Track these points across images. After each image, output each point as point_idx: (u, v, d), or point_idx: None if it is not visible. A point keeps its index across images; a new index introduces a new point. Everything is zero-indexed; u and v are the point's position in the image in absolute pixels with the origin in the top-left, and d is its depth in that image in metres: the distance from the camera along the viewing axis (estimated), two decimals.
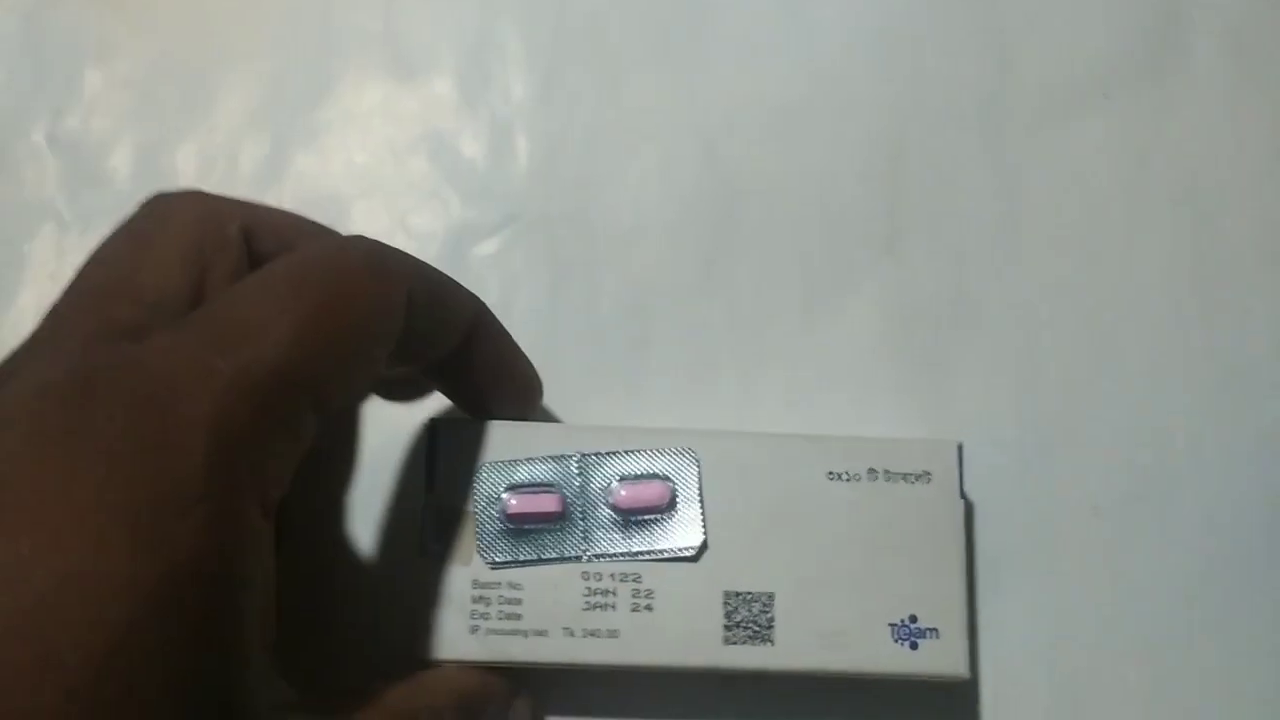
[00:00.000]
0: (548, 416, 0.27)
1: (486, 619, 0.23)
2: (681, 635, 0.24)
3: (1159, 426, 0.28)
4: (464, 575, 0.24)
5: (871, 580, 0.24)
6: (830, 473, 0.25)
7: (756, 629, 0.24)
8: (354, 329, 0.19)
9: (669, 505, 0.24)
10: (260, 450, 0.17)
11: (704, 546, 0.24)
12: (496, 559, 0.24)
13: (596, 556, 0.24)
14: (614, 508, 0.24)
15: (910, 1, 0.30)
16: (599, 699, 0.26)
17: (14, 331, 0.27)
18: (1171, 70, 0.30)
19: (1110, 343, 0.28)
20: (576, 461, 0.24)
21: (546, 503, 0.24)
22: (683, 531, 0.24)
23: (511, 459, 0.24)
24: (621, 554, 0.24)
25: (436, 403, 0.27)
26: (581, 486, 0.24)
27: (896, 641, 0.24)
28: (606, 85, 0.30)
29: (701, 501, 0.24)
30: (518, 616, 0.24)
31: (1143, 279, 0.29)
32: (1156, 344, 0.28)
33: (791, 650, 0.24)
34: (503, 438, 0.24)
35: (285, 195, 0.29)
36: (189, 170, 0.29)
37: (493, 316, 0.23)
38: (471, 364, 0.23)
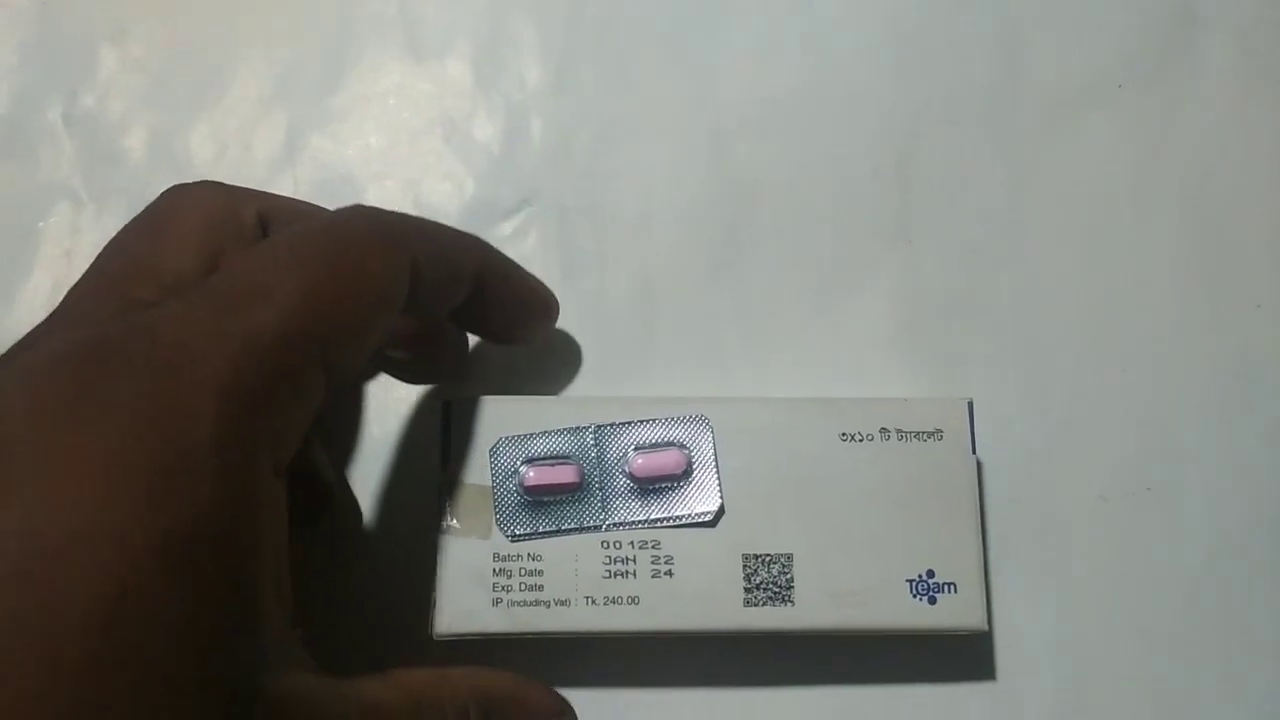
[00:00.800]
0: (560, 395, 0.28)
1: (509, 591, 0.24)
2: (702, 599, 0.24)
3: (1166, 418, 0.28)
4: (484, 549, 0.24)
5: (888, 538, 0.24)
6: (843, 434, 0.25)
7: (776, 590, 0.24)
8: (359, 292, 0.19)
9: (685, 472, 0.24)
10: (270, 410, 0.17)
11: (721, 511, 0.24)
12: (516, 532, 0.24)
13: (615, 525, 0.24)
14: (631, 476, 0.24)
15: None
16: (622, 669, 0.26)
17: (29, 307, 0.28)
18: (1182, 67, 0.30)
19: (1119, 335, 0.28)
20: (592, 433, 0.25)
21: (564, 474, 0.24)
22: (700, 497, 0.24)
23: (527, 433, 0.24)
24: (640, 521, 0.24)
25: (451, 382, 0.27)
26: (598, 457, 0.24)
27: (915, 597, 0.24)
28: (620, 75, 0.30)
29: (717, 467, 0.24)
30: (539, 588, 0.24)
31: (1152, 273, 0.29)
32: (1165, 337, 0.28)
33: (812, 610, 0.24)
34: (517, 412, 0.25)
35: (300, 177, 0.29)
36: (204, 152, 0.29)
37: (497, 255, 0.24)
38: (485, 303, 0.23)
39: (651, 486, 0.24)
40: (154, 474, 0.15)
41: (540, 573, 0.24)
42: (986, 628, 0.24)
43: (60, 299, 0.20)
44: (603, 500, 0.24)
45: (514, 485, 0.24)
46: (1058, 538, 0.27)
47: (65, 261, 0.28)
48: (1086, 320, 0.28)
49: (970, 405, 0.25)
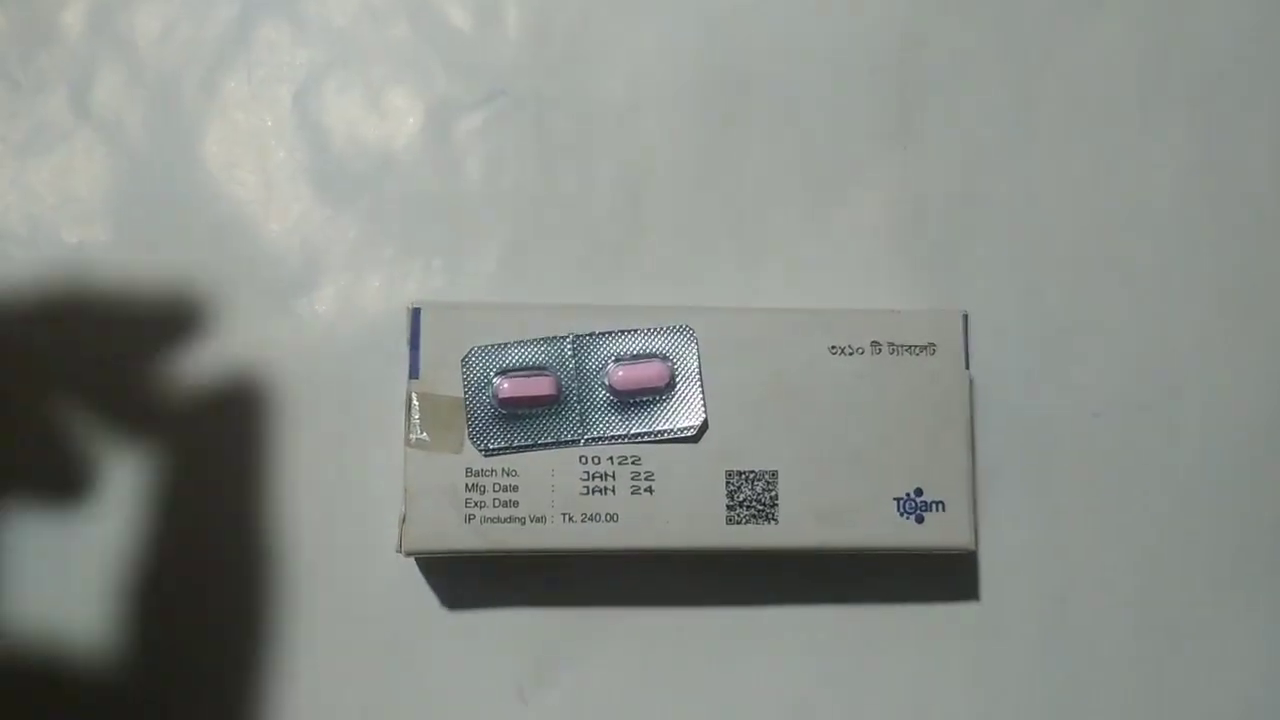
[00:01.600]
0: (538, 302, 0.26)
1: (482, 508, 0.23)
2: (683, 516, 0.23)
3: (1163, 333, 0.27)
4: (455, 464, 0.23)
5: (876, 455, 0.24)
6: (832, 346, 0.24)
7: (760, 508, 0.23)
8: None
9: (668, 385, 0.23)
10: None
11: (705, 426, 0.23)
12: (489, 446, 0.23)
13: (594, 440, 0.23)
14: (610, 389, 0.23)
15: None
16: (600, 587, 0.25)
17: None
18: None
19: (1119, 245, 0.27)
20: (570, 343, 0.23)
21: (540, 385, 0.23)
22: (683, 411, 0.23)
23: (501, 342, 0.23)
24: (620, 436, 0.23)
25: (418, 286, 0.26)
26: (576, 368, 0.23)
27: (902, 515, 0.24)
28: None
29: (701, 380, 0.23)
30: (514, 504, 0.23)
31: (1155, 180, 0.27)
32: (1165, 248, 0.27)
33: (796, 528, 0.23)
34: (490, 320, 0.23)
35: (252, 62, 0.27)
36: (149, 31, 0.27)
37: None
38: None
39: (632, 400, 0.23)
40: None
41: (515, 489, 0.23)
42: (974, 547, 0.24)
43: None
44: (581, 414, 0.23)
45: (487, 397, 0.23)
46: (1049, 455, 0.26)
47: (2, 147, 0.26)
48: (1087, 232, 0.27)
49: (965, 318, 0.24)
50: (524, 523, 0.23)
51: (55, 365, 0.25)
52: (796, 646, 0.25)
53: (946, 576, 0.26)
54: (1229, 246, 0.27)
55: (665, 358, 0.23)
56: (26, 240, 0.25)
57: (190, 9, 0.27)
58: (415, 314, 0.23)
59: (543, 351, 0.23)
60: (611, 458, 0.23)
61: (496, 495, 0.23)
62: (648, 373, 0.23)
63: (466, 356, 0.23)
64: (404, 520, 0.23)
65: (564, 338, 0.23)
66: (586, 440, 0.23)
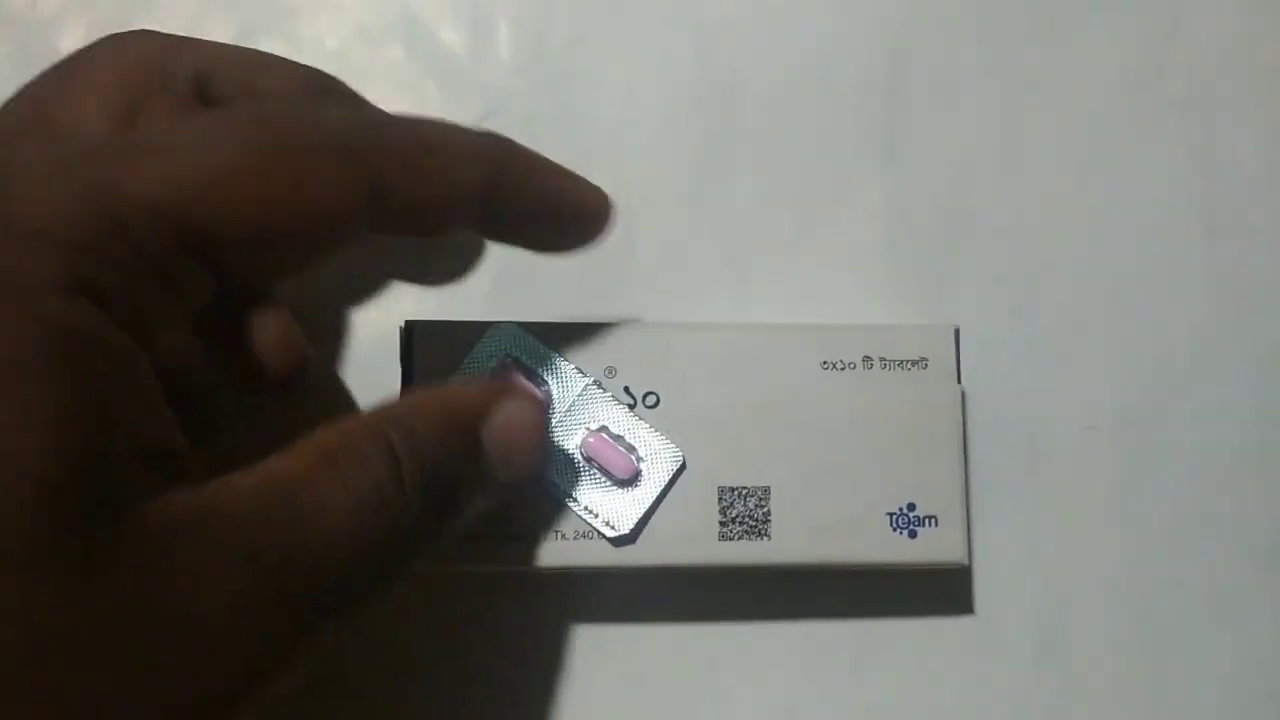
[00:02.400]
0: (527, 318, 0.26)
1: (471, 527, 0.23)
2: (676, 534, 0.23)
3: (1157, 345, 0.27)
4: None
5: (869, 470, 0.24)
6: (824, 362, 0.24)
7: (753, 524, 0.23)
8: (280, 206, 0.17)
9: (625, 482, 0.23)
10: (107, 273, 0.15)
11: (629, 539, 0.23)
12: None
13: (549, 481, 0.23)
14: (580, 448, 0.23)
15: None
16: (593, 605, 0.25)
17: None
18: None
19: (1111, 258, 0.27)
20: (582, 386, 0.23)
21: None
22: (622, 511, 0.23)
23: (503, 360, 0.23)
24: (561, 491, 0.23)
25: (412, 304, 0.26)
26: (568, 410, 0.23)
27: (895, 530, 0.23)
28: None
29: (659, 500, 0.23)
30: (507, 522, 0.23)
31: (1146, 192, 0.27)
32: (1157, 259, 0.27)
33: (789, 544, 0.23)
34: (483, 337, 0.23)
35: None
36: None
37: (519, 157, 0.21)
38: (507, 213, 0.21)
39: (590, 469, 0.23)
40: None
41: (508, 506, 0.23)
42: (967, 562, 0.24)
43: None
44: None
45: None
46: (1043, 468, 0.26)
47: None
48: (1077, 245, 0.27)
49: (956, 332, 0.24)
50: (518, 541, 0.23)
51: None
52: (789, 662, 0.25)
53: (941, 590, 0.26)
54: (1220, 260, 0.27)
55: (642, 459, 0.23)
56: None
57: (186, 30, 0.27)
58: (408, 329, 0.23)
59: (545, 379, 0.23)
60: None
61: (488, 514, 0.23)
62: (617, 461, 0.23)
63: (458, 373, 0.23)
64: None
65: (575, 375, 0.23)
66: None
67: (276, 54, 0.20)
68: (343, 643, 0.17)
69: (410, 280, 0.26)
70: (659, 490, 0.23)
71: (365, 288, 0.26)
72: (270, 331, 0.19)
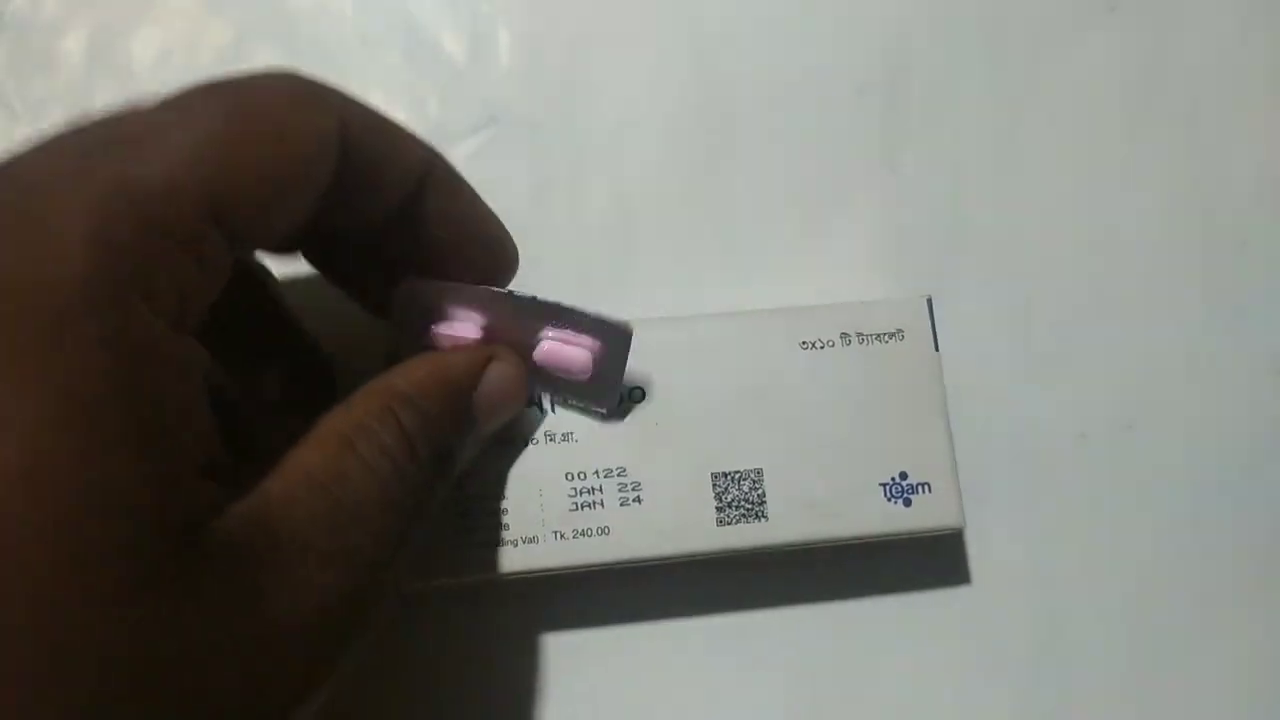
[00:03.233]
0: None
1: (472, 533, 0.23)
2: (674, 523, 0.23)
3: (1151, 355, 0.27)
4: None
5: (858, 444, 0.24)
6: (803, 342, 0.24)
7: (749, 506, 0.23)
8: (270, 149, 0.17)
9: (590, 379, 0.22)
10: (153, 266, 0.15)
11: (618, 414, 0.23)
12: None
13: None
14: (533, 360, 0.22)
15: None
16: (598, 605, 0.25)
17: None
18: None
19: (1106, 266, 0.28)
20: (513, 304, 0.21)
21: (469, 331, 0.22)
22: (599, 392, 0.23)
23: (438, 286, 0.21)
24: (539, 403, 0.23)
25: None
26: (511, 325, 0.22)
27: (889, 500, 0.24)
28: None
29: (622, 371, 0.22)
30: (505, 526, 0.23)
31: (1141, 201, 0.28)
32: (1152, 268, 0.28)
33: (786, 523, 0.23)
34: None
35: None
36: (145, 57, 0.27)
37: (450, 170, 0.21)
38: (425, 219, 0.21)
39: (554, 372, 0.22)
40: (24, 335, 0.14)
41: (504, 511, 0.23)
42: (963, 525, 0.24)
43: None
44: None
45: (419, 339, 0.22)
46: (1035, 476, 0.27)
47: None
48: (1073, 253, 0.28)
49: (929, 302, 0.25)
50: (516, 544, 0.23)
51: None
52: (792, 642, 0.25)
53: (938, 601, 0.26)
54: (1214, 269, 0.28)
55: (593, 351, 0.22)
56: None
57: (186, 36, 0.27)
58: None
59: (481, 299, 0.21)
60: (597, 471, 0.23)
61: (486, 520, 0.23)
62: (573, 362, 0.22)
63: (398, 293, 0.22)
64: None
65: (504, 293, 0.21)
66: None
67: (406, 129, 0.20)
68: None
69: None
70: (622, 365, 0.22)
71: None
72: None
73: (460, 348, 0.22)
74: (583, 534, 0.23)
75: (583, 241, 0.27)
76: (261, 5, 0.27)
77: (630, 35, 0.28)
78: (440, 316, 0.22)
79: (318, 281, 0.22)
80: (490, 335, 0.22)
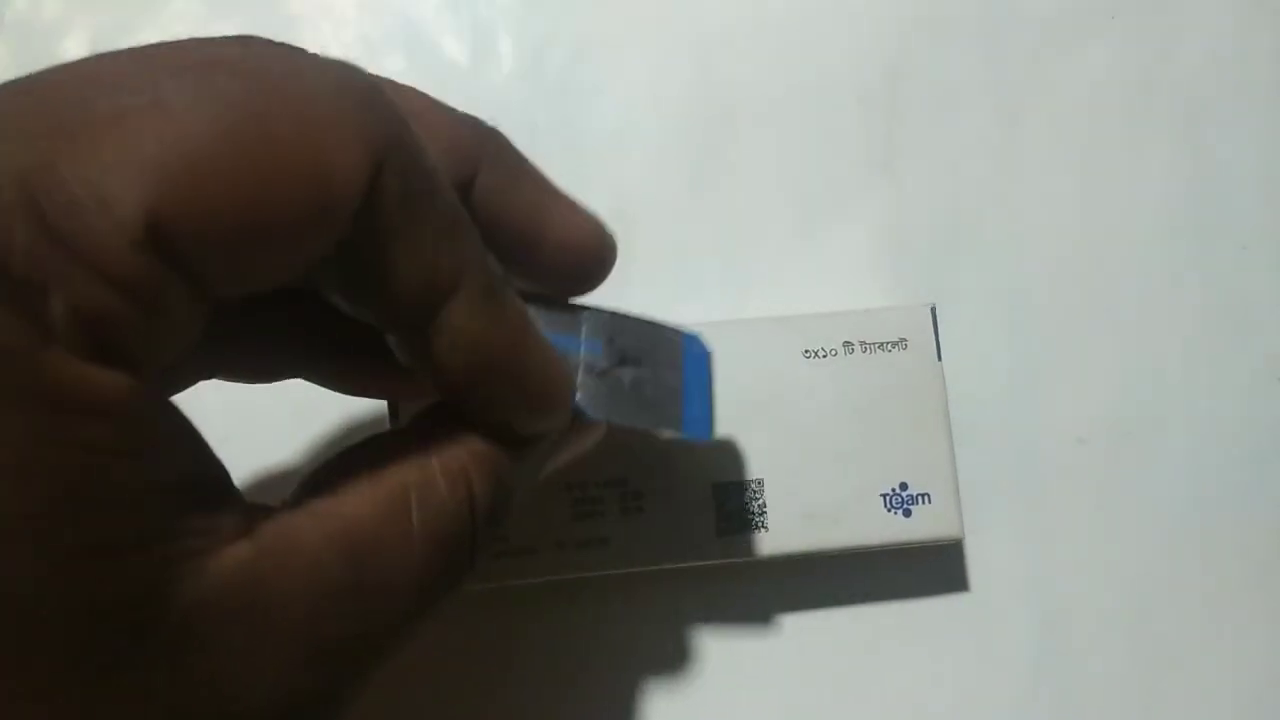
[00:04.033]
0: None
1: None
2: (675, 533, 0.23)
3: (1149, 359, 0.27)
4: None
5: (859, 453, 0.24)
6: (806, 351, 0.24)
7: (749, 516, 0.23)
8: (284, 189, 0.12)
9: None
10: (69, 291, 0.11)
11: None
12: None
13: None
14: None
15: None
16: (599, 614, 0.25)
17: None
18: None
19: (1105, 272, 0.28)
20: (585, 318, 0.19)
21: None
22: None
23: None
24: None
25: None
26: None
27: (889, 511, 0.24)
28: None
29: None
30: (504, 538, 0.23)
31: (1140, 207, 0.28)
32: (1151, 275, 0.28)
33: (786, 533, 0.23)
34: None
35: None
36: None
37: (512, 155, 0.17)
38: (478, 221, 0.16)
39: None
40: None
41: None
42: (962, 536, 0.24)
43: None
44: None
45: None
46: (1034, 480, 0.27)
47: None
48: (1072, 259, 0.28)
49: (933, 311, 0.25)
50: (515, 555, 0.23)
51: None
52: (792, 650, 0.25)
53: (937, 608, 0.26)
54: (1213, 272, 0.28)
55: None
56: None
57: (189, 37, 0.26)
58: None
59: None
60: (598, 482, 0.23)
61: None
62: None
63: None
64: None
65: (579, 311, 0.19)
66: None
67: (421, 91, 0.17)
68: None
69: None
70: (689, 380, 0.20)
71: None
72: None
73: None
74: (583, 544, 0.23)
75: None
76: (263, 8, 0.27)
77: (631, 40, 0.28)
78: None
79: None
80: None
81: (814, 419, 0.24)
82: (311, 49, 0.20)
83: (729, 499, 0.23)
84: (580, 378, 0.18)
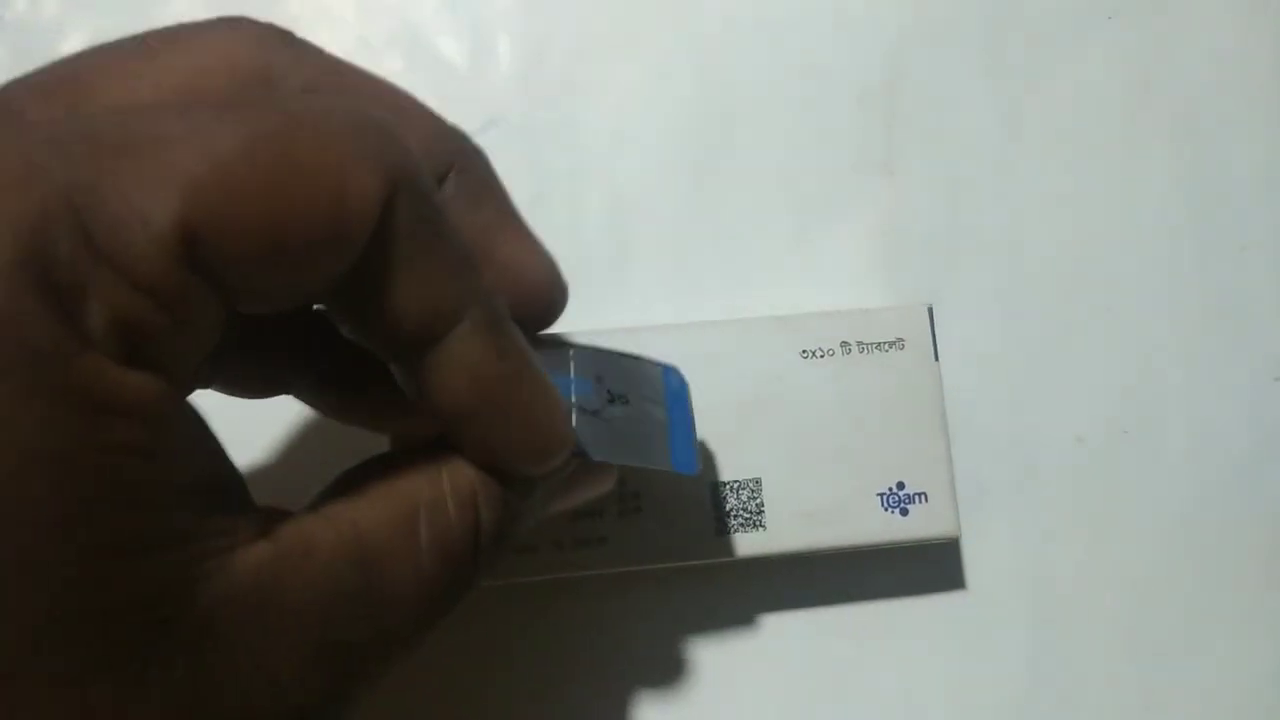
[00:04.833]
0: None
1: None
2: (673, 532, 0.23)
3: (1147, 359, 0.27)
4: None
5: (856, 453, 0.24)
6: (803, 351, 0.24)
7: (747, 516, 0.23)
8: (305, 209, 0.13)
9: None
10: (101, 300, 0.12)
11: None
12: None
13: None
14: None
15: None
16: (598, 613, 0.25)
17: None
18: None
19: (1104, 271, 0.28)
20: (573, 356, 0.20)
21: None
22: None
23: None
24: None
25: None
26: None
27: (886, 510, 0.24)
28: None
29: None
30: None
31: (1139, 206, 0.28)
32: (1150, 273, 0.28)
33: (784, 532, 0.23)
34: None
35: None
36: None
37: (479, 164, 0.17)
38: None
39: None
40: None
41: None
42: (959, 534, 0.24)
43: None
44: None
45: None
46: (1032, 479, 0.27)
47: None
48: (1071, 258, 0.28)
49: (930, 311, 0.25)
50: (513, 553, 0.23)
51: None
52: (790, 648, 0.26)
53: (934, 607, 0.26)
54: (1211, 273, 0.28)
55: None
56: None
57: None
58: None
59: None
60: None
61: None
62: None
63: None
64: None
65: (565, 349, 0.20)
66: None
67: (413, 95, 0.17)
68: None
69: None
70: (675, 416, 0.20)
71: None
72: None
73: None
74: (582, 543, 0.23)
75: (581, 248, 0.27)
76: (262, 9, 0.27)
77: (629, 41, 0.28)
78: None
79: None
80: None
81: (811, 419, 0.24)
82: None
83: (726, 498, 0.23)
84: (575, 419, 0.18)
